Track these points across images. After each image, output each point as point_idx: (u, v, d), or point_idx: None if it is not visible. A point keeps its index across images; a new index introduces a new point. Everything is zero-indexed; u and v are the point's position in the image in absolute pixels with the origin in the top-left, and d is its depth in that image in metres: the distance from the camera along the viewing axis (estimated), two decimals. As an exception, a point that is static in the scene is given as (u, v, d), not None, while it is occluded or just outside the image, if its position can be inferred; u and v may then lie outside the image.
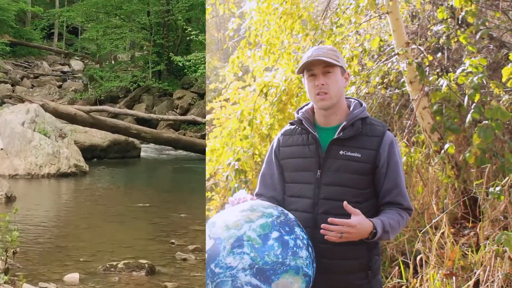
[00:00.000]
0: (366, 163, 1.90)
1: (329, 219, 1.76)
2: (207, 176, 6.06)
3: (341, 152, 1.91)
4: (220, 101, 6.51)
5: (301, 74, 2.02)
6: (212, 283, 1.68)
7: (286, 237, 1.72)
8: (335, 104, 1.96)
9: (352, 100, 2.05)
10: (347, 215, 1.85)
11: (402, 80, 4.80)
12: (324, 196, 1.90)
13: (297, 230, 1.77)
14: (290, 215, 1.83)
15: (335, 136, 1.93)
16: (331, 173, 1.91)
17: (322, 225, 1.77)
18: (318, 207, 1.90)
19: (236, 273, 1.64)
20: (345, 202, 1.78)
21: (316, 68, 1.93)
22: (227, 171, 5.38)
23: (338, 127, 1.95)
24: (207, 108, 6.77)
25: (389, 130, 1.98)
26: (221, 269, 1.66)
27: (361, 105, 2.02)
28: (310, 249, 1.77)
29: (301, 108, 2.11)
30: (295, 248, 1.71)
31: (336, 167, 1.91)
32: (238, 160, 5.29)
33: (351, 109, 2.00)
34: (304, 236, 1.79)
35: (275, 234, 1.71)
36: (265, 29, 5.33)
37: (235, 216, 1.77)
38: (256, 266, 1.64)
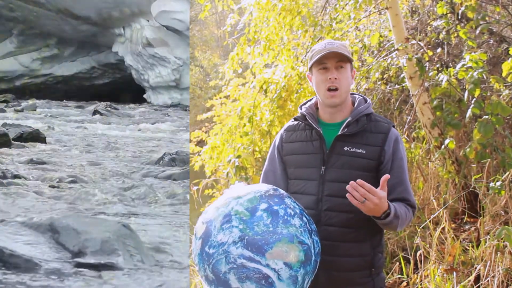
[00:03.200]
0: (370, 159, 1.87)
1: (359, 181, 1.70)
2: (208, 173, 6.07)
3: (345, 148, 1.88)
4: (220, 98, 6.52)
5: (306, 71, 2.00)
6: (209, 266, 1.65)
7: (275, 207, 1.68)
8: (343, 101, 1.94)
9: (357, 96, 2.02)
10: (351, 212, 1.83)
11: (402, 75, 4.79)
12: (328, 193, 1.88)
13: (287, 200, 1.74)
14: (281, 190, 1.80)
15: (340, 132, 1.90)
16: (335, 170, 1.88)
17: (351, 182, 1.70)
18: (322, 204, 1.88)
19: (227, 248, 1.61)
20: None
21: (329, 62, 1.89)
22: (228, 168, 5.38)
23: (342, 123, 1.93)
24: (207, 105, 6.77)
25: (393, 127, 1.96)
26: (214, 248, 1.64)
27: (366, 101, 2.00)
28: (304, 218, 1.72)
29: (305, 104, 2.07)
30: (286, 217, 1.67)
31: (340, 163, 1.88)
32: (239, 157, 5.29)
33: (355, 105, 1.97)
34: (296, 206, 1.74)
35: (263, 205, 1.68)
36: (264, 25, 5.32)
37: (225, 198, 1.76)
38: (246, 237, 1.61)
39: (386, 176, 1.73)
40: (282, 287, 1.63)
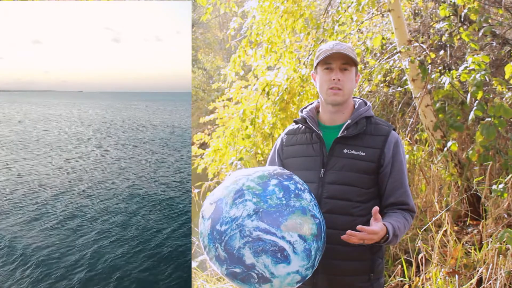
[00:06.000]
0: (370, 162, 1.87)
1: (359, 227, 1.68)
2: (211, 176, 6.07)
3: (345, 151, 1.89)
4: (223, 100, 6.52)
5: (311, 71, 2.00)
6: (221, 244, 1.62)
7: (286, 183, 1.70)
8: (345, 102, 1.94)
9: (357, 100, 2.03)
10: (350, 215, 1.83)
11: (404, 78, 4.79)
12: (328, 195, 1.87)
13: (295, 177, 1.76)
14: (287, 171, 1.82)
15: (339, 135, 1.90)
16: (335, 172, 1.88)
17: (348, 232, 1.68)
18: (321, 206, 1.86)
19: (242, 222, 1.60)
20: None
21: (334, 62, 1.90)
22: (230, 170, 5.38)
23: (342, 125, 1.93)
24: (210, 107, 6.77)
25: (394, 130, 1.96)
26: (226, 224, 1.62)
27: (366, 104, 2.00)
28: (312, 195, 1.76)
29: (305, 107, 2.08)
30: (297, 191, 1.69)
31: (340, 165, 1.88)
32: (241, 159, 5.29)
33: (355, 107, 1.98)
34: (304, 183, 1.77)
35: (274, 181, 1.70)
36: (267, 28, 5.32)
37: (233, 177, 1.76)
38: (261, 209, 1.61)
39: (375, 208, 1.73)
40: (297, 261, 1.62)
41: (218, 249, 1.63)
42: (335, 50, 1.88)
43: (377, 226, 1.71)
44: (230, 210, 1.63)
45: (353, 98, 2.04)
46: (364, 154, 1.87)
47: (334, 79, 1.89)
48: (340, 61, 1.90)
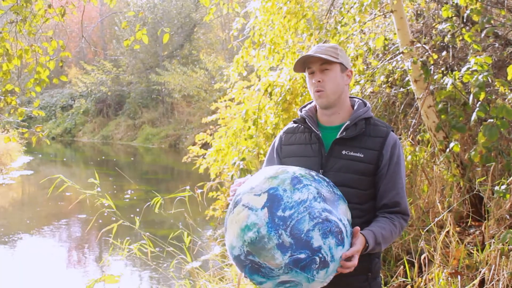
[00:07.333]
0: (368, 163, 1.88)
1: (343, 255, 1.68)
2: (213, 176, 6.09)
3: (343, 152, 1.89)
4: (225, 100, 6.54)
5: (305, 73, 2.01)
6: (286, 229, 1.60)
7: (321, 176, 1.80)
8: (334, 103, 1.94)
9: (356, 100, 2.03)
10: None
11: (407, 78, 4.80)
12: None
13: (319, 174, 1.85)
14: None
15: (338, 136, 1.91)
16: (332, 173, 1.89)
17: (342, 265, 1.69)
18: None
19: (310, 204, 1.64)
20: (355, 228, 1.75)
21: (314, 65, 1.93)
22: (232, 170, 5.39)
23: (341, 126, 1.94)
24: (212, 108, 6.78)
25: (393, 131, 1.95)
26: (292, 209, 1.62)
27: (365, 105, 2.00)
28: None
29: (305, 106, 2.09)
30: (331, 183, 1.79)
31: (338, 167, 1.89)
32: (243, 159, 5.30)
33: (355, 108, 1.98)
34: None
35: (313, 173, 1.79)
36: (269, 28, 5.33)
37: (271, 170, 1.77)
38: (322, 193, 1.69)
39: (356, 228, 1.75)
40: (346, 245, 1.69)
41: (282, 236, 1.61)
42: (311, 54, 1.91)
43: (357, 245, 1.74)
44: (293, 195, 1.65)
45: (353, 98, 2.05)
46: (362, 155, 1.88)
47: (314, 82, 1.93)
48: (318, 63, 1.92)
